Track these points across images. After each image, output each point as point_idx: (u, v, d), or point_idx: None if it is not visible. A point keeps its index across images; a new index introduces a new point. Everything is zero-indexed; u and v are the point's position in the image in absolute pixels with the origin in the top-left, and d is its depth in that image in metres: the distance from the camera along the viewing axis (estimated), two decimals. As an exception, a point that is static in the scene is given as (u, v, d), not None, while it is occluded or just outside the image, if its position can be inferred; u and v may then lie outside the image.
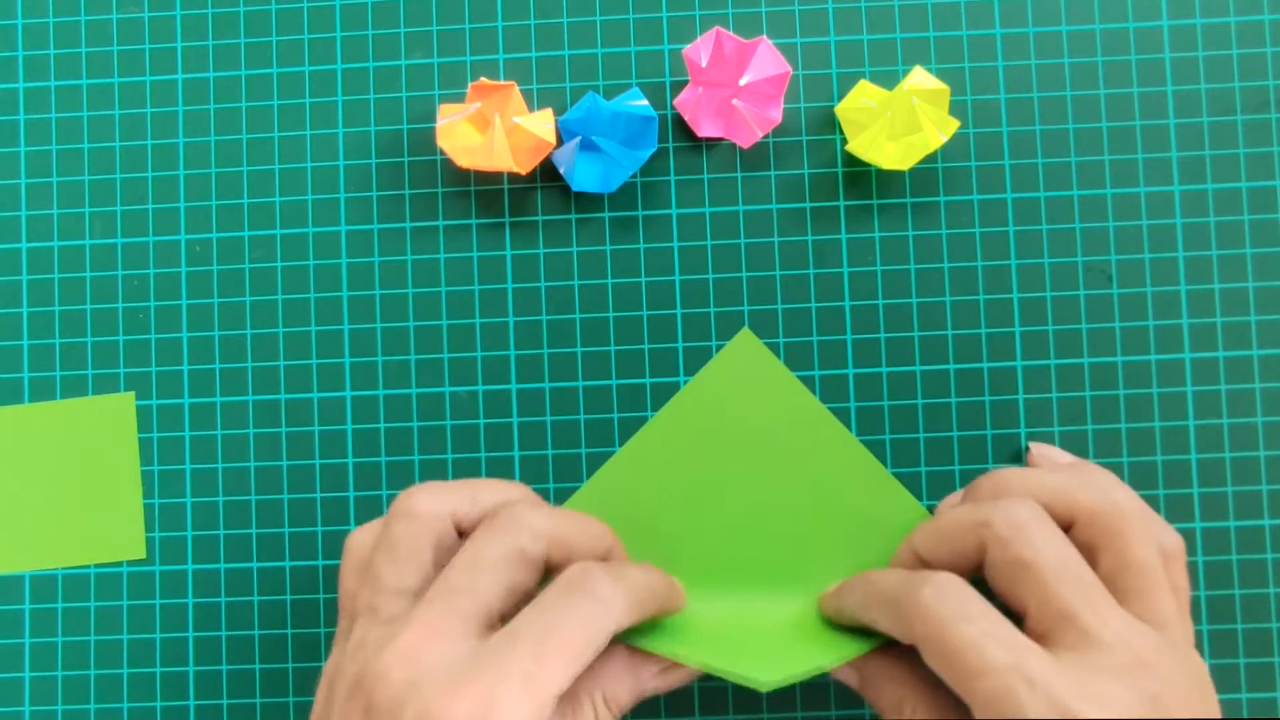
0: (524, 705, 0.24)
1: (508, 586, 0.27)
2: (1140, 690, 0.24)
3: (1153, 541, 0.26)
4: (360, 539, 0.29)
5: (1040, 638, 0.25)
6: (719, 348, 0.34)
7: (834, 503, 0.32)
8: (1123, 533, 0.26)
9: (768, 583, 0.32)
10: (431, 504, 0.28)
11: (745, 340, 0.32)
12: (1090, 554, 0.26)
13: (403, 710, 0.24)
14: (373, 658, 0.25)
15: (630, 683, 0.29)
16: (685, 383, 0.34)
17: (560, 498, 0.34)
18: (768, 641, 0.30)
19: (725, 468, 0.32)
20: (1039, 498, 0.27)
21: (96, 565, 0.35)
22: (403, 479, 0.35)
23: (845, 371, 0.35)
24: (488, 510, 0.28)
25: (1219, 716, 0.26)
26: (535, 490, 0.34)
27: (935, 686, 0.27)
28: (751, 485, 0.32)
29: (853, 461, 0.32)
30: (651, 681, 0.29)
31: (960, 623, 0.25)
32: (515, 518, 0.27)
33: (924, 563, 0.29)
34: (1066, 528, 0.27)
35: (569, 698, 0.28)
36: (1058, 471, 0.28)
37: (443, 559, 0.28)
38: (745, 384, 0.32)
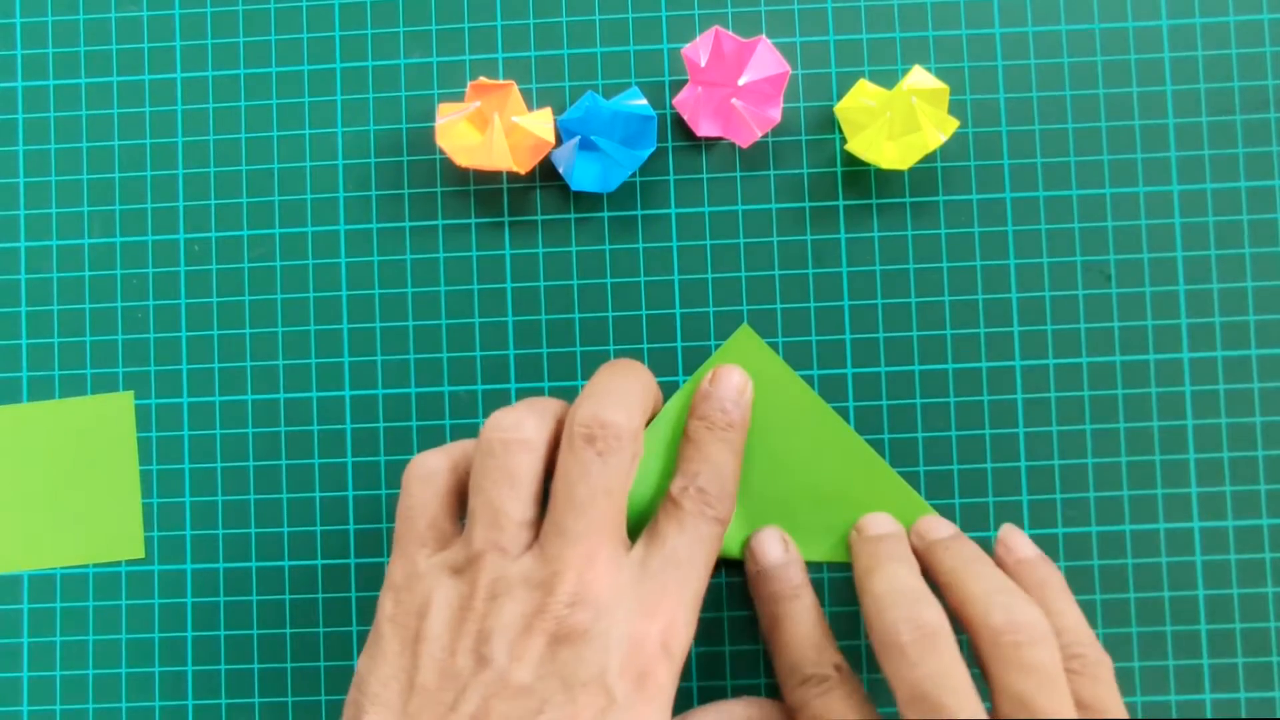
0: (691, 623, 0.28)
1: (624, 502, 0.28)
2: None
3: (1045, 686, 0.27)
4: (436, 464, 0.29)
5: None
6: (718, 347, 0.34)
7: (833, 495, 0.32)
8: (1012, 663, 0.27)
9: None
10: (540, 431, 0.28)
11: (745, 336, 0.33)
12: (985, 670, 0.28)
13: (605, 644, 0.26)
14: (541, 592, 0.26)
15: None
16: (684, 382, 0.34)
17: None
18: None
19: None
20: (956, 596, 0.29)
21: (95, 565, 0.35)
22: (402, 479, 0.35)
23: (844, 371, 0.35)
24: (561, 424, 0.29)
25: None
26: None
27: None
28: (751, 479, 0.32)
29: (853, 454, 0.33)
30: None
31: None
32: (611, 434, 0.28)
33: None
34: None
35: None
36: (991, 579, 0.29)
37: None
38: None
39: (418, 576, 0.28)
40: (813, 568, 0.34)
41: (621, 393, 0.29)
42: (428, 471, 0.29)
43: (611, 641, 0.26)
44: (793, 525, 0.33)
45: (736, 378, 0.32)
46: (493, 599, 0.27)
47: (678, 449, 0.31)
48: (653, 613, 0.27)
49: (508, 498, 0.27)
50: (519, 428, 0.28)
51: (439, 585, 0.27)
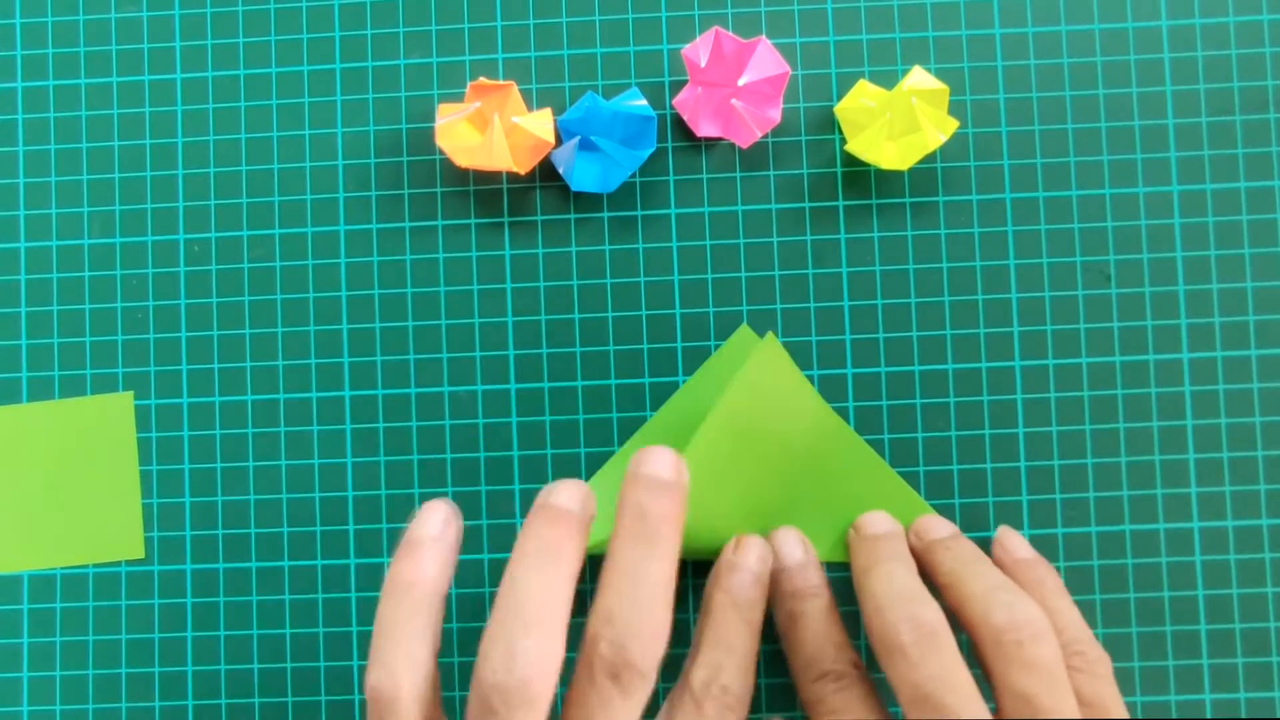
0: None
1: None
2: None
3: (1045, 683, 0.27)
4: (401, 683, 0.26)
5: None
6: (718, 347, 0.34)
7: (834, 495, 0.33)
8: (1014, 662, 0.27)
9: None
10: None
11: (769, 347, 0.32)
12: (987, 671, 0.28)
13: None
14: None
15: None
16: (684, 382, 0.34)
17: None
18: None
19: (739, 464, 0.32)
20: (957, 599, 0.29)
21: (95, 565, 0.35)
22: (401, 479, 0.35)
23: (844, 371, 0.35)
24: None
25: None
26: (534, 490, 0.34)
27: None
28: (752, 478, 0.32)
29: (853, 454, 0.33)
30: None
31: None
32: (637, 673, 0.25)
33: None
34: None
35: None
36: (990, 578, 0.29)
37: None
38: (772, 392, 0.32)
39: None
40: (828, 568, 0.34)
41: (649, 604, 0.25)
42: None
43: None
44: (793, 524, 0.33)
45: (759, 548, 0.31)
46: None
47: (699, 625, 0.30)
48: None
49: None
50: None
51: None
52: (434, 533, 0.27)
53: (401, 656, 0.25)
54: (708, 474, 0.30)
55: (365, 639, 0.35)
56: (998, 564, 0.32)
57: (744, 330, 0.34)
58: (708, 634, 0.29)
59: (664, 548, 0.26)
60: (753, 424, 0.32)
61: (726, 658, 0.28)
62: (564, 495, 0.26)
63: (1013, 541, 0.33)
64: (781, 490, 0.33)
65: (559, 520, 0.26)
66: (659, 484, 0.26)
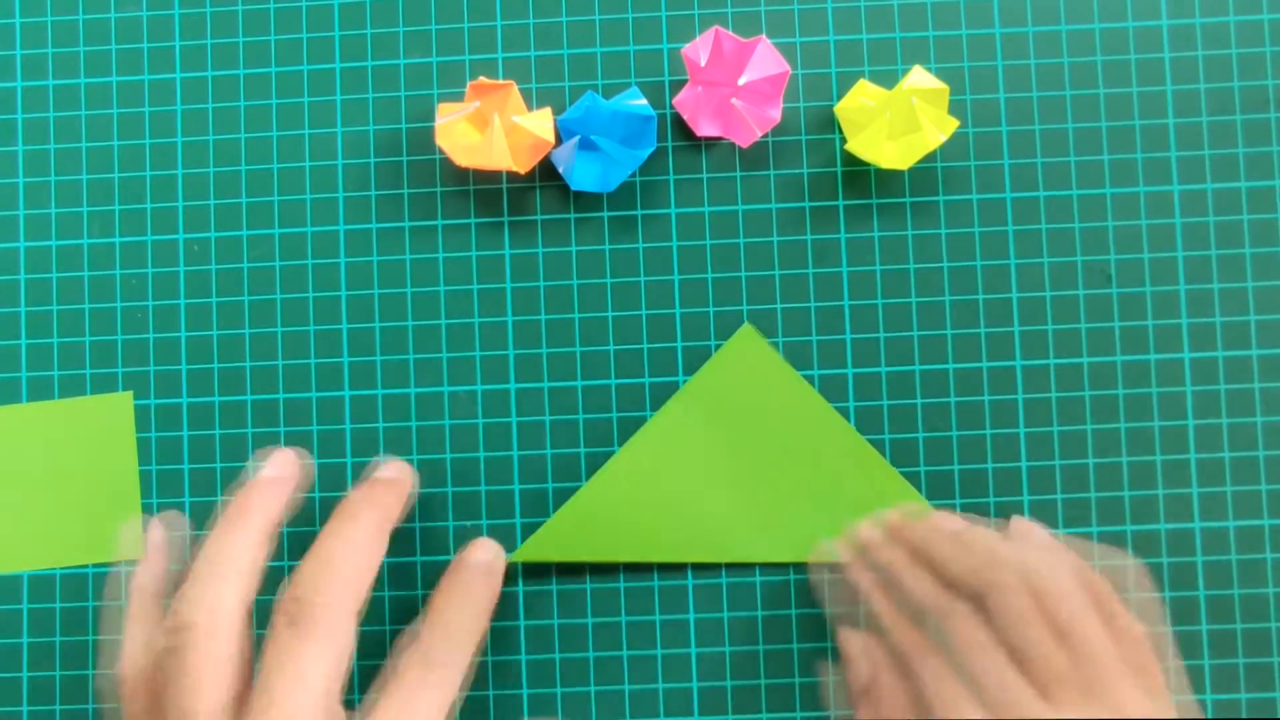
0: None
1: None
2: None
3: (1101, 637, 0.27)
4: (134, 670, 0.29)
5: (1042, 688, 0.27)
6: (718, 347, 0.34)
7: (834, 492, 0.33)
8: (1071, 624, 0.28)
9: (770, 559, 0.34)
10: (221, 607, 0.28)
11: (747, 335, 0.33)
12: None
13: None
14: None
15: None
16: (685, 381, 0.34)
17: (559, 497, 0.34)
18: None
19: (727, 458, 0.33)
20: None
21: (95, 565, 0.35)
22: (401, 479, 0.35)
23: (844, 371, 0.34)
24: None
25: None
26: (533, 490, 0.34)
27: None
28: (753, 474, 0.32)
29: (852, 452, 0.33)
30: None
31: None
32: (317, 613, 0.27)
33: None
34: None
35: None
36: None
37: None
38: (747, 378, 0.33)
39: None
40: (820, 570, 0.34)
41: (325, 561, 0.28)
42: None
43: None
44: (790, 524, 0.33)
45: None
46: None
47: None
48: None
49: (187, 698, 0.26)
50: (192, 610, 0.27)
51: None
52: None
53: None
54: (671, 455, 0.32)
55: (365, 639, 0.35)
56: None
57: (746, 329, 0.34)
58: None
59: (351, 526, 0.30)
60: (724, 408, 0.33)
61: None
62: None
63: (1027, 529, 0.33)
64: (761, 480, 0.33)
65: (259, 489, 0.30)
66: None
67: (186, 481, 0.35)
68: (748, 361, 0.33)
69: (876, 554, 0.31)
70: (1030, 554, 0.29)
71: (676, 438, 0.32)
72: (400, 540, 0.34)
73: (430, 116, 0.36)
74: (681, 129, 0.35)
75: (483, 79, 0.34)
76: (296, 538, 0.35)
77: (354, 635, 0.27)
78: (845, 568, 0.32)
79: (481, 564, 0.32)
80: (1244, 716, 0.33)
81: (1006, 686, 0.26)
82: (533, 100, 0.35)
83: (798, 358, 0.35)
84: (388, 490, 0.31)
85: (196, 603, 0.27)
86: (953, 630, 0.28)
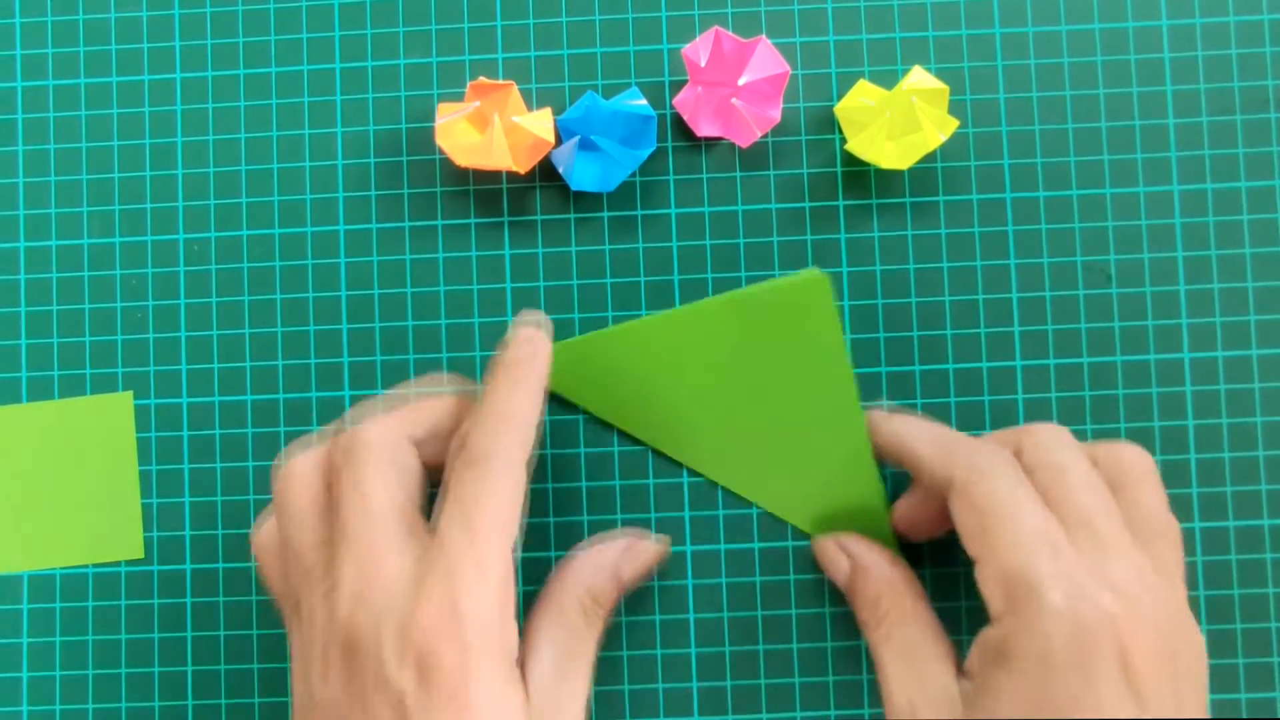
0: (481, 588, 0.25)
1: (406, 493, 0.28)
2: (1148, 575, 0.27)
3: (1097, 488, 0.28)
4: (264, 537, 0.29)
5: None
6: (782, 275, 0.34)
7: (813, 453, 0.33)
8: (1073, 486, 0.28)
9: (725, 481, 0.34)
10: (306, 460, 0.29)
11: (815, 282, 0.32)
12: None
13: (380, 637, 0.25)
14: (332, 605, 0.26)
15: (608, 574, 0.30)
16: (739, 288, 0.34)
17: (559, 500, 0.34)
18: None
19: (735, 376, 0.33)
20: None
21: (94, 565, 0.35)
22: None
23: (844, 371, 0.34)
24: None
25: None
26: (533, 490, 0.34)
27: (950, 692, 0.28)
28: (749, 400, 0.33)
29: (847, 428, 0.33)
30: (626, 568, 0.31)
31: (1001, 479, 0.27)
32: (365, 444, 0.28)
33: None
34: None
35: (555, 605, 0.29)
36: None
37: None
38: (795, 316, 0.33)
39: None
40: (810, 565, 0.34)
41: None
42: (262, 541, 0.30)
43: (386, 634, 0.25)
44: (756, 462, 0.34)
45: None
46: (311, 626, 0.27)
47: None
48: (424, 595, 0.25)
49: (290, 530, 0.28)
50: (286, 460, 0.29)
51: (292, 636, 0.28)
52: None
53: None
54: (689, 347, 0.33)
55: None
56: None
57: (819, 278, 0.32)
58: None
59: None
60: (758, 331, 0.33)
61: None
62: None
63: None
64: (753, 408, 0.33)
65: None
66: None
67: (186, 481, 0.35)
68: (803, 304, 0.32)
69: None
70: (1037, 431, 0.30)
71: (702, 334, 0.33)
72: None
73: (430, 116, 0.36)
74: (681, 129, 0.35)
75: (483, 79, 0.34)
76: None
77: (526, 484, 0.28)
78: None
79: (521, 340, 0.30)
80: (1244, 717, 0.33)
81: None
82: (533, 100, 0.35)
83: (798, 358, 0.35)
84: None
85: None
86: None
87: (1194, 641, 0.27)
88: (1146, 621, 0.25)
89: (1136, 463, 0.29)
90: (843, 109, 0.34)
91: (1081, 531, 0.27)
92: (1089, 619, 0.25)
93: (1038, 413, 0.34)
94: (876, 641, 0.30)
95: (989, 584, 0.27)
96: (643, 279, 0.35)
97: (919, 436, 0.31)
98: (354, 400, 0.35)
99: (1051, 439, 0.29)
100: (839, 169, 0.35)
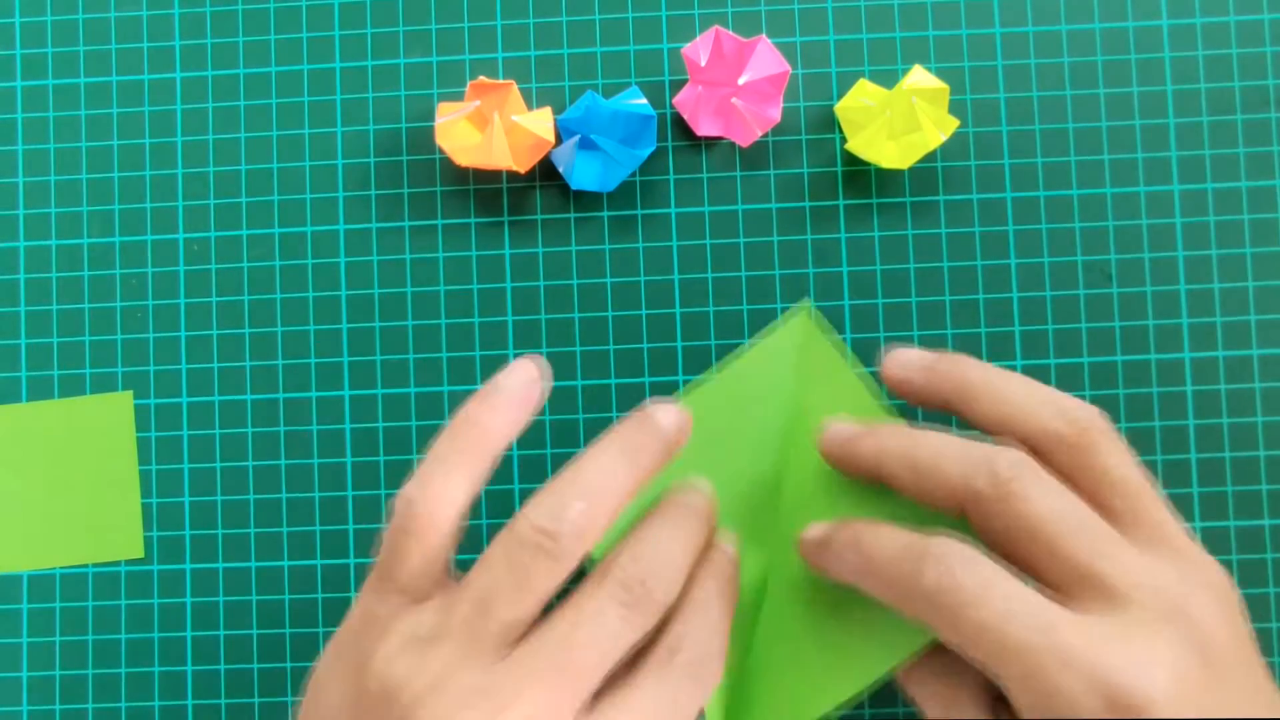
0: None
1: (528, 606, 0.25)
2: (1185, 642, 0.23)
3: (1127, 453, 0.26)
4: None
5: (1060, 595, 0.24)
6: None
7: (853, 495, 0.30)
8: (1097, 450, 0.25)
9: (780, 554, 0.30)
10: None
11: (803, 324, 0.31)
12: (1065, 480, 0.25)
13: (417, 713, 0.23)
14: (398, 669, 0.24)
15: None
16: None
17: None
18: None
19: (763, 443, 0.30)
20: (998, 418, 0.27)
21: (94, 565, 0.35)
22: (401, 479, 0.35)
23: (844, 371, 0.34)
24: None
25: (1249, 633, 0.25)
26: (534, 490, 0.34)
27: (987, 683, 0.26)
28: (784, 463, 0.30)
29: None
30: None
31: (975, 607, 0.23)
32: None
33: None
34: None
35: None
36: (1010, 388, 0.27)
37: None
38: (799, 364, 0.30)
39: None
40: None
41: (667, 561, 0.26)
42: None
43: None
44: (809, 510, 0.31)
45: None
46: (384, 659, 0.24)
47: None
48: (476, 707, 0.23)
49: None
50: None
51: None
52: (515, 387, 0.27)
53: (441, 480, 0.26)
54: (700, 424, 0.29)
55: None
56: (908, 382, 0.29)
57: (804, 314, 0.31)
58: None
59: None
60: (760, 397, 0.30)
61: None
62: (664, 412, 0.27)
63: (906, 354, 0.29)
64: (791, 471, 0.30)
65: (648, 428, 0.27)
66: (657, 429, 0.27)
67: (186, 481, 0.35)
68: (799, 352, 0.30)
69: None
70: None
71: (719, 409, 0.30)
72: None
73: (430, 116, 0.36)
74: (681, 129, 0.35)
75: (483, 79, 0.34)
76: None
77: None
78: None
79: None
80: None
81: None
82: (533, 100, 0.35)
83: (798, 357, 0.34)
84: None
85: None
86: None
87: (1229, 597, 0.25)
88: (1205, 624, 0.23)
89: (1075, 428, 0.26)
90: (843, 108, 0.34)
91: (1082, 589, 0.24)
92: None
93: (1038, 412, 0.34)
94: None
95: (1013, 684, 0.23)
96: (643, 279, 0.35)
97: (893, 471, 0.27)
98: (354, 399, 0.35)
99: (1002, 481, 0.25)
100: (839, 168, 0.35)
